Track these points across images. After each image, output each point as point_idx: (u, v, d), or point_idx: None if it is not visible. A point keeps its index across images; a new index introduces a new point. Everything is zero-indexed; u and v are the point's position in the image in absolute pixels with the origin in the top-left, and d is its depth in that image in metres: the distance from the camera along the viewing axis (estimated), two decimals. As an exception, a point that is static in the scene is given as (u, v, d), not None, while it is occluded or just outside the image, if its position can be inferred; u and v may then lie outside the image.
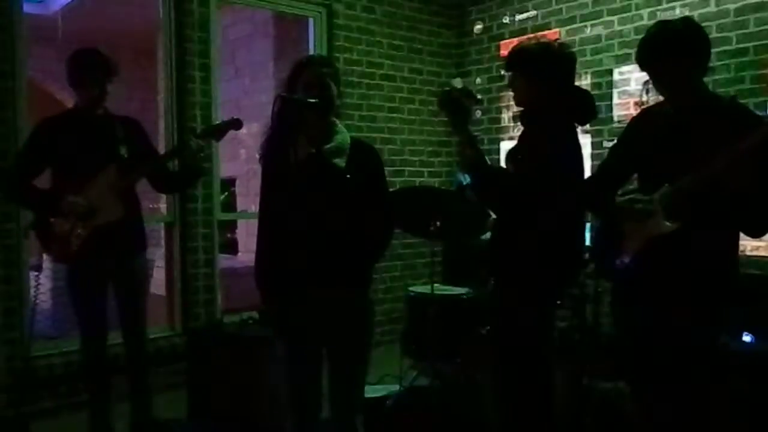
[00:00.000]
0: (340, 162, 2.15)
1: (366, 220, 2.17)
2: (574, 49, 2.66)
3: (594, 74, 4.53)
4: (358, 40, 4.95)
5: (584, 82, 4.48)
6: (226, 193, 6.68)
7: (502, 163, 3.31)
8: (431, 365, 3.58)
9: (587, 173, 2.64)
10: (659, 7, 4.17)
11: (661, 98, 2.23)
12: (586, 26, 4.61)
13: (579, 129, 2.54)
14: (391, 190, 2.51)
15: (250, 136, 5.96)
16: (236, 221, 7.09)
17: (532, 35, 4.84)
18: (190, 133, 3.34)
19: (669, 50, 2.07)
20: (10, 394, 3.46)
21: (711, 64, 2.16)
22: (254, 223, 2.34)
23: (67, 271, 3.03)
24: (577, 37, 4.63)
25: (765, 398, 2.87)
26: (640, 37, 2.20)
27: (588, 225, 2.74)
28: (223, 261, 5.11)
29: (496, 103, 5.26)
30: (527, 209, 2.39)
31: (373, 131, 5.01)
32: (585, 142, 2.64)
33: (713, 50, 2.16)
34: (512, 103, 2.77)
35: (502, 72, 4.89)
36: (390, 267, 5.05)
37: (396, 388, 3.61)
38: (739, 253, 2.16)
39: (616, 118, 4.41)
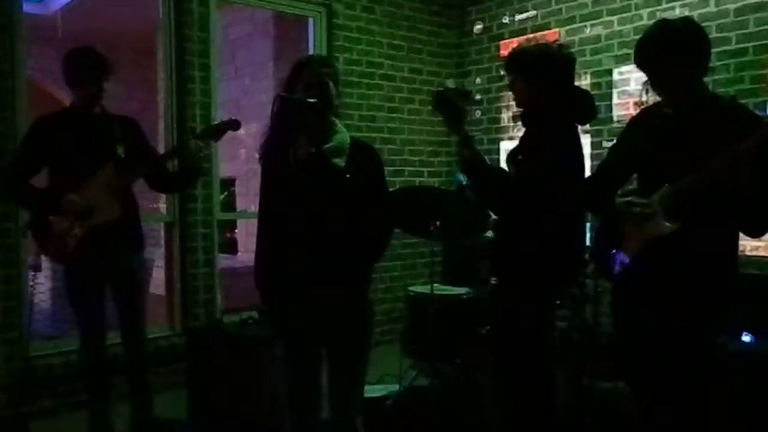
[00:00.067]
0: (340, 162, 2.15)
1: (365, 220, 2.17)
2: (573, 50, 2.67)
3: (593, 74, 4.53)
4: (357, 40, 4.95)
5: (584, 82, 4.48)
6: (226, 193, 6.68)
7: (502, 164, 3.30)
8: (431, 365, 3.58)
9: (587, 173, 2.65)
10: (659, 7, 4.17)
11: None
12: (585, 26, 4.61)
13: (579, 129, 2.55)
14: (390, 190, 2.51)
15: (250, 136, 5.96)
16: (236, 221, 7.09)
17: (531, 35, 4.86)
18: (189, 133, 3.34)
19: (669, 50, 2.06)
20: (9, 393, 3.46)
21: (711, 65, 2.16)
22: (254, 223, 2.33)
23: (64, 271, 3.03)
24: (576, 38, 4.63)
25: (764, 398, 2.88)
26: (639, 37, 2.20)
27: (588, 225, 2.74)
28: (223, 261, 5.12)
29: (495, 103, 5.26)
30: (528, 210, 2.39)
31: (373, 131, 5.01)
32: (585, 142, 2.64)
33: (713, 50, 2.15)
34: (512, 103, 2.77)
35: (502, 72, 4.88)
36: (390, 267, 5.05)
37: (396, 388, 3.61)
38: (739, 253, 2.16)
39: (615, 119, 4.41)
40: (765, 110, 3.66)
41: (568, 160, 2.42)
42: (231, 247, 6.97)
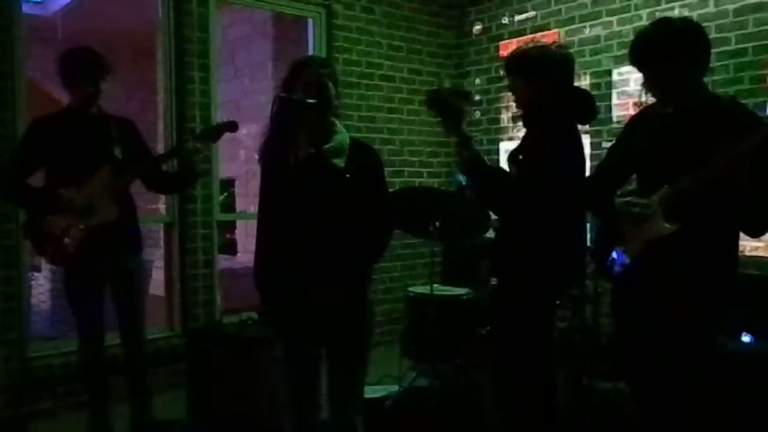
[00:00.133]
0: (340, 162, 2.15)
1: (365, 221, 2.17)
2: (573, 50, 2.67)
3: (593, 75, 4.53)
4: (357, 40, 4.95)
5: (583, 82, 4.48)
6: (226, 194, 6.68)
7: (502, 164, 3.30)
8: (431, 366, 3.58)
9: (588, 174, 2.65)
10: (658, 8, 4.17)
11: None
12: (585, 27, 4.61)
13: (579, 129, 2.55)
14: (390, 190, 2.51)
15: (250, 136, 5.95)
16: (235, 222, 7.08)
17: (531, 36, 4.86)
18: (189, 134, 3.34)
19: (668, 49, 2.05)
20: (8, 395, 3.45)
21: (710, 65, 2.15)
22: (253, 224, 2.33)
23: (63, 273, 3.03)
24: (576, 38, 4.63)
25: (764, 398, 2.87)
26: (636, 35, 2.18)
27: (588, 225, 2.74)
28: (223, 261, 5.12)
29: (495, 103, 5.26)
30: (528, 210, 2.39)
31: (373, 132, 5.01)
32: (584, 142, 2.64)
33: (712, 51, 2.15)
34: (511, 103, 2.78)
35: (501, 73, 4.88)
36: (389, 267, 5.05)
37: (395, 388, 3.61)
38: (739, 253, 2.16)
39: (615, 119, 4.41)
40: (765, 110, 3.66)
41: (568, 161, 2.43)
42: (230, 247, 6.96)
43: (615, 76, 4.42)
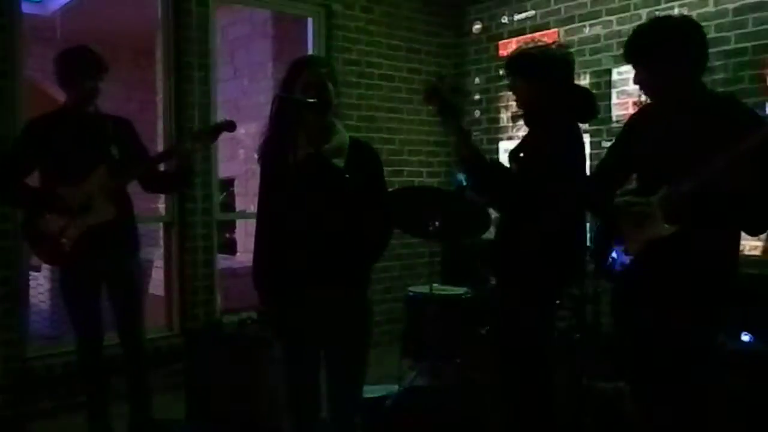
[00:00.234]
0: (339, 162, 2.15)
1: (365, 220, 2.16)
2: (572, 49, 2.68)
3: (593, 74, 4.53)
4: (356, 40, 4.95)
5: (583, 82, 4.48)
6: (225, 194, 6.68)
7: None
8: (430, 365, 3.58)
9: (587, 173, 2.64)
10: (658, 7, 4.16)
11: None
12: (584, 26, 4.61)
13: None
14: (389, 190, 2.51)
15: (249, 136, 5.95)
16: (235, 221, 7.08)
17: (530, 35, 4.86)
18: (188, 134, 3.33)
19: (664, 47, 2.04)
20: (8, 395, 3.45)
21: (709, 65, 2.15)
22: (253, 224, 2.33)
23: (60, 273, 3.02)
24: (575, 37, 4.63)
25: (763, 398, 2.87)
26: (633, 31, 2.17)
27: (588, 225, 2.74)
28: (222, 261, 5.11)
29: (494, 103, 5.25)
30: (528, 208, 2.39)
31: (372, 131, 5.01)
32: (584, 142, 2.64)
33: (712, 50, 2.14)
34: (511, 103, 2.78)
35: (501, 72, 4.89)
36: (389, 267, 5.04)
37: (395, 388, 3.60)
38: (739, 253, 2.16)
39: (614, 118, 4.41)
40: (765, 110, 3.66)
41: (568, 160, 2.43)
42: (230, 247, 6.96)
43: (615, 76, 4.42)
